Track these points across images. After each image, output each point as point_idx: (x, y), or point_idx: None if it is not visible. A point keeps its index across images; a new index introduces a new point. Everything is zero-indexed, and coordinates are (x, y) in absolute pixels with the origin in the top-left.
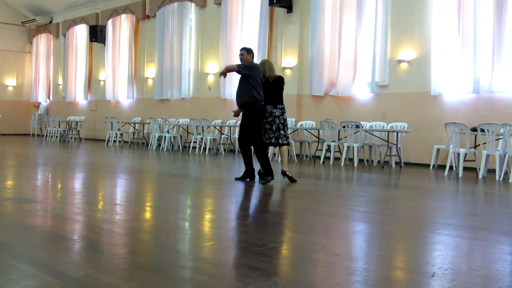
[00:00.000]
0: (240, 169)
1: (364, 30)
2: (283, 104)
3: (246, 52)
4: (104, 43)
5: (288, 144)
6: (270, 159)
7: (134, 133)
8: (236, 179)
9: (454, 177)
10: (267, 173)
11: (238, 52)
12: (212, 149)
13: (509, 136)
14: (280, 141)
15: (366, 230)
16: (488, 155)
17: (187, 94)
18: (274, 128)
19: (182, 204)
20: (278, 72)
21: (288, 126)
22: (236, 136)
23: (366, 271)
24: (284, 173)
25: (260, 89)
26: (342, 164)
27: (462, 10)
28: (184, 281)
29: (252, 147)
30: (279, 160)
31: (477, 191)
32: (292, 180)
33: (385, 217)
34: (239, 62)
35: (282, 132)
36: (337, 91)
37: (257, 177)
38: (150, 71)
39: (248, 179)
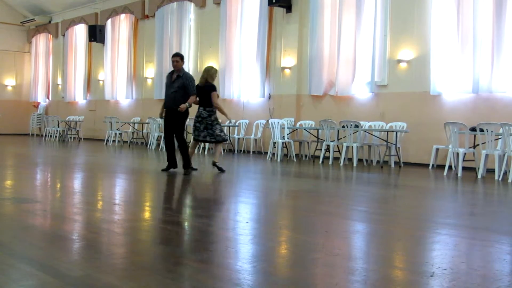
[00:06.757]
0: (240, 169)
1: (364, 29)
2: (211, 107)
3: (181, 59)
4: (103, 43)
5: (219, 141)
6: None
7: (133, 133)
8: (163, 170)
9: (453, 177)
10: (188, 165)
11: (236, 52)
12: (212, 148)
13: (508, 135)
14: (208, 139)
15: (365, 229)
16: (487, 155)
17: None
18: (202, 127)
19: (182, 204)
20: (278, 72)
21: (222, 125)
22: (237, 136)
23: (365, 271)
24: (214, 164)
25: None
26: (341, 164)
27: (461, 9)
28: (183, 281)
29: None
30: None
31: (476, 191)
32: (220, 170)
33: (384, 217)
34: (238, 61)
35: (210, 131)
36: (336, 90)
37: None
38: (149, 71)
39: (172, 169)
